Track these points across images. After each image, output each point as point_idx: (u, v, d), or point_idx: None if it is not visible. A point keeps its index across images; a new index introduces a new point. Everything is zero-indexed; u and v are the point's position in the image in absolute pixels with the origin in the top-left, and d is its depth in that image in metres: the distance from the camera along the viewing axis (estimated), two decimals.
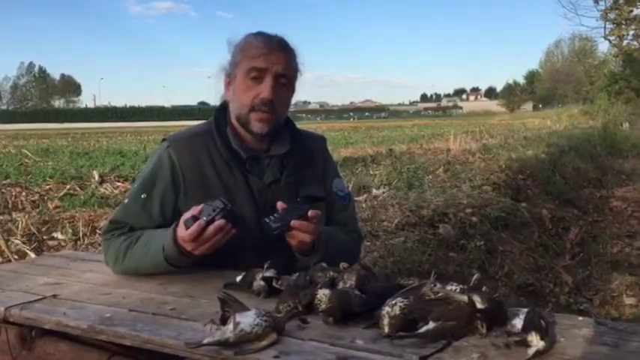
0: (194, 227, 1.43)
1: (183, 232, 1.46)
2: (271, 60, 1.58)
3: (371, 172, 7.29)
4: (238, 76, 1.62)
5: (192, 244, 1.46)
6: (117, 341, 1.20)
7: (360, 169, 7.57)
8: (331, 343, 1.08)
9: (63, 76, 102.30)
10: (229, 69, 1.67)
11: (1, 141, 18.46)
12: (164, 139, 1.73)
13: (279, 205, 1.54)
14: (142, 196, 1.65)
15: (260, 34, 1.64)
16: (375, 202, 4.96)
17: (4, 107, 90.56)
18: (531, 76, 74.66)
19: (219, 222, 1.43)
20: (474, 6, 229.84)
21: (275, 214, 1.52)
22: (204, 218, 1.43)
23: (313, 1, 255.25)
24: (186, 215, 1.47)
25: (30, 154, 9.57)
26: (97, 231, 3.66)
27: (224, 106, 1.72)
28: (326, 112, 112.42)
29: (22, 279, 1.65)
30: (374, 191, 5.56)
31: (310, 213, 1.53)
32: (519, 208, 5.66)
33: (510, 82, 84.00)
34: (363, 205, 4.75)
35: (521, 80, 79.61)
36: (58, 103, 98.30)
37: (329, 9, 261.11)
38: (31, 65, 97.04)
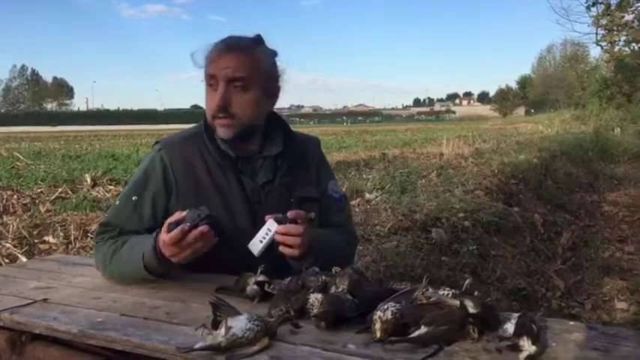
0: (176, 231, 1.39)
1: (164, 236, 1.43)
2: (220, 65, 1.58)
3: (364, 176, 7.28)
4: (205, 85, 1.64)
5: (172, 249, 1.43)
6: (108, 346, 1.19)
7: (353, 174, 7.57)
8: (323, 347, 1.08)
9: (55, 79, 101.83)
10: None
11: None
12: (156, 142, 1.73)
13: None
14: (134, 198, 1.65)
15: (220, 40, 1.64)
16: (368, 207, 4.96)
17: None
18: (524, 81, 75.08)
19: (203, 228, 1.39)
20: (467, 11, 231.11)
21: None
22: (188, 224, 1.40)
23: (307, 4, 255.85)
24: (170, 220, 1.44)
25: (22, 157, 9.47)
26: (89, 234, 3.64)
27: None
28: (319, 116, 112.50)
29: (13, 283, 1.64)
30: (367, 195, 5.55)
31: (291, 214, 1.48)
32: (511, 213, 5.68)
33: (503, 87, 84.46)
34: (356, 210, 4.75)
35: (514, 85, 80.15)
36: (51, 106, 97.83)
37: (322, 13, 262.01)
38: (23, 68, 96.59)
